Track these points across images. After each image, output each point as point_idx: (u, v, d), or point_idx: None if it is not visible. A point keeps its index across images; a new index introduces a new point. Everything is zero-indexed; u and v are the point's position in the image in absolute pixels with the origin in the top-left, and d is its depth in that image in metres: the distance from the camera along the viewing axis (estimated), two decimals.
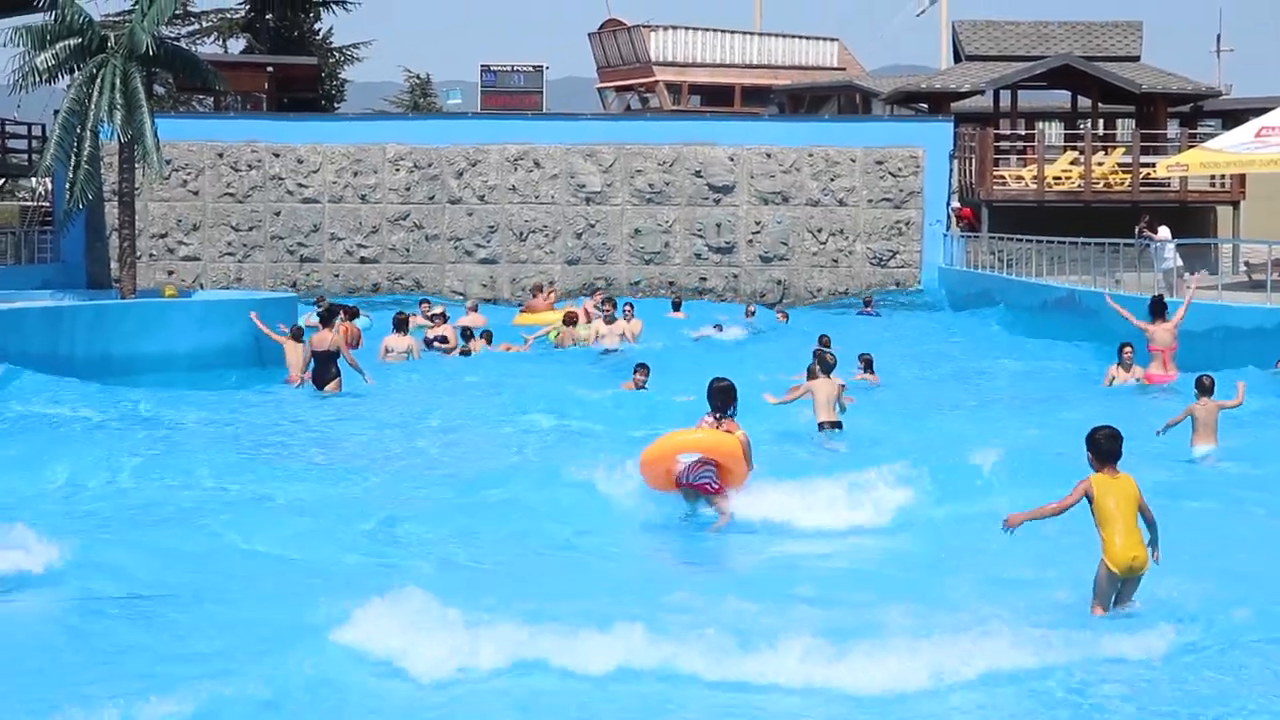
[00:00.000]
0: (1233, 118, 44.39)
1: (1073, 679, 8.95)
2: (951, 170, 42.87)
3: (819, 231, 42.63)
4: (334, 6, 63.21)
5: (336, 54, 64.70)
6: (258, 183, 42.85)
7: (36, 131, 44.28)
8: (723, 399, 14.08)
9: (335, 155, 42.85)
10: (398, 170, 42.89)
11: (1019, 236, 36.73)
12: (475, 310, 33.93)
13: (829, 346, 26.05)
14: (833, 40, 61.32)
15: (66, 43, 29.06)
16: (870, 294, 40.95)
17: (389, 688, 8.89)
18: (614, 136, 43.15)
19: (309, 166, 42.83)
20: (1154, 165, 38.86)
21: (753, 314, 35.71)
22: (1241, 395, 17.36)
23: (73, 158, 28.84)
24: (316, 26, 63.52)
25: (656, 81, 58.18)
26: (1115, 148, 43.65)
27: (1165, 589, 10.47)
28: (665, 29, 58.77)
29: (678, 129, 43.61)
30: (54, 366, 24.25)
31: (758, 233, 42.66)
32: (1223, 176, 40.60)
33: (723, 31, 59.84)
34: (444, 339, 28.92)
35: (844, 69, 59.89)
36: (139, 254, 35.49)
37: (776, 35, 61.17)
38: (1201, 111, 47.91)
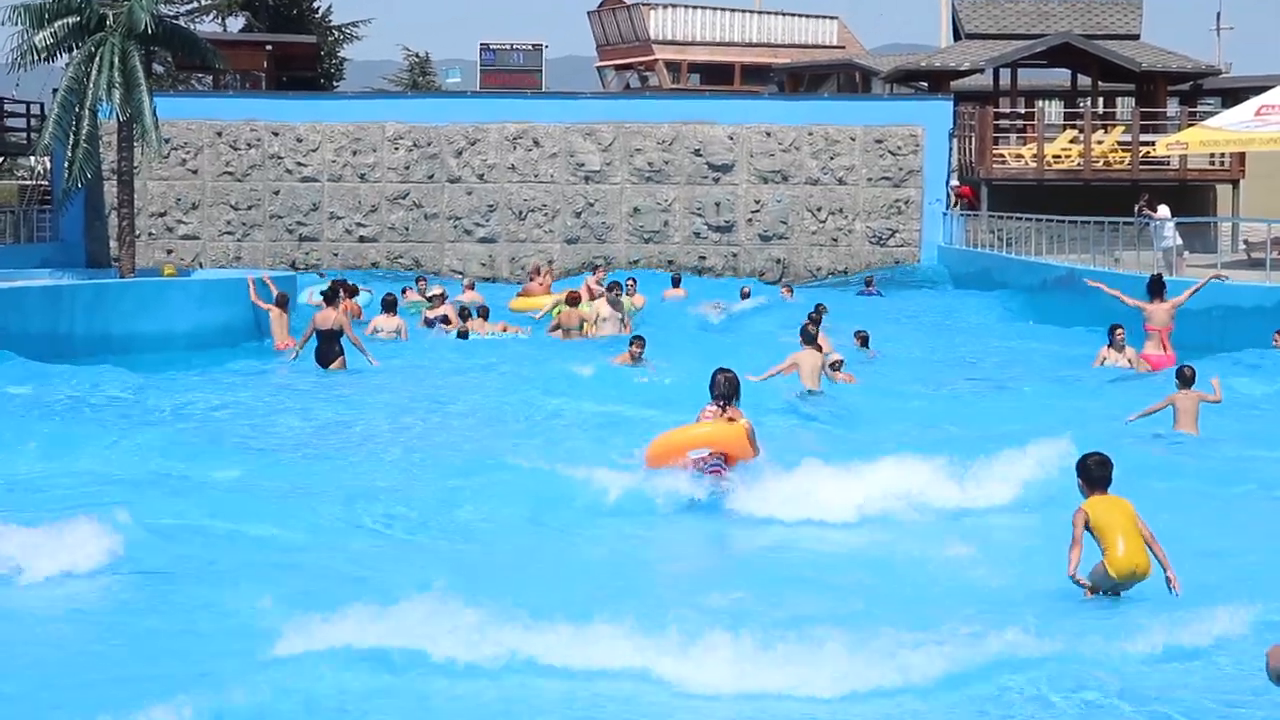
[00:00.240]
0: (1232, 96, 44.32)
1: (1058, 678, 8.70)
2: (951, 149, 42.82)
3: (818, 210, 42.60)
4: None
5: (335, 32, 64.60)
6: (257, 161, 42.81)
7: (35, 110, 44.19)
8: (727, 389, 14.16)
9: (334, 134, 42.80)
10: (397, 149, 42.85)
11: (1018, 215, 36.71)
12: (472, 289, 33.91)
13: (824, 314, 26.16)
14: (832, 18, 61.25)
15: (65, 21, 29.05)
16: (871, 274, 40.95)
17: (397, 685, 8.68)
18: (613, 115, 43.10)
19: (308, 145, 42.78)
20: (1153, 144, 38.79)
21: (747, 294, 35.70)
22: (1219, 391, 17.49)
23: (71, 136, 28.86)
24: (315, 4, 63.43)
25: (656, 60, 58.13)
26: (1115, 126, 43.59)
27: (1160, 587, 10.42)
28: (665, 7, 58.68)
29: (677, 108, 43.57)
30: (53, 346, 24.26)
31: (757, 211, 42.63)
32: (1222, 155, 40.55)
33: (722, 10, 59.78)
34: (445, 319, 28.91)
35: (843, 47, 59.82)
36: (138, 233, 35.44)
37: (776, 13, 61.11)
38: (1201, 90, 47.83)
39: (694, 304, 34.02)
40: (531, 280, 35.98)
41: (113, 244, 36.95)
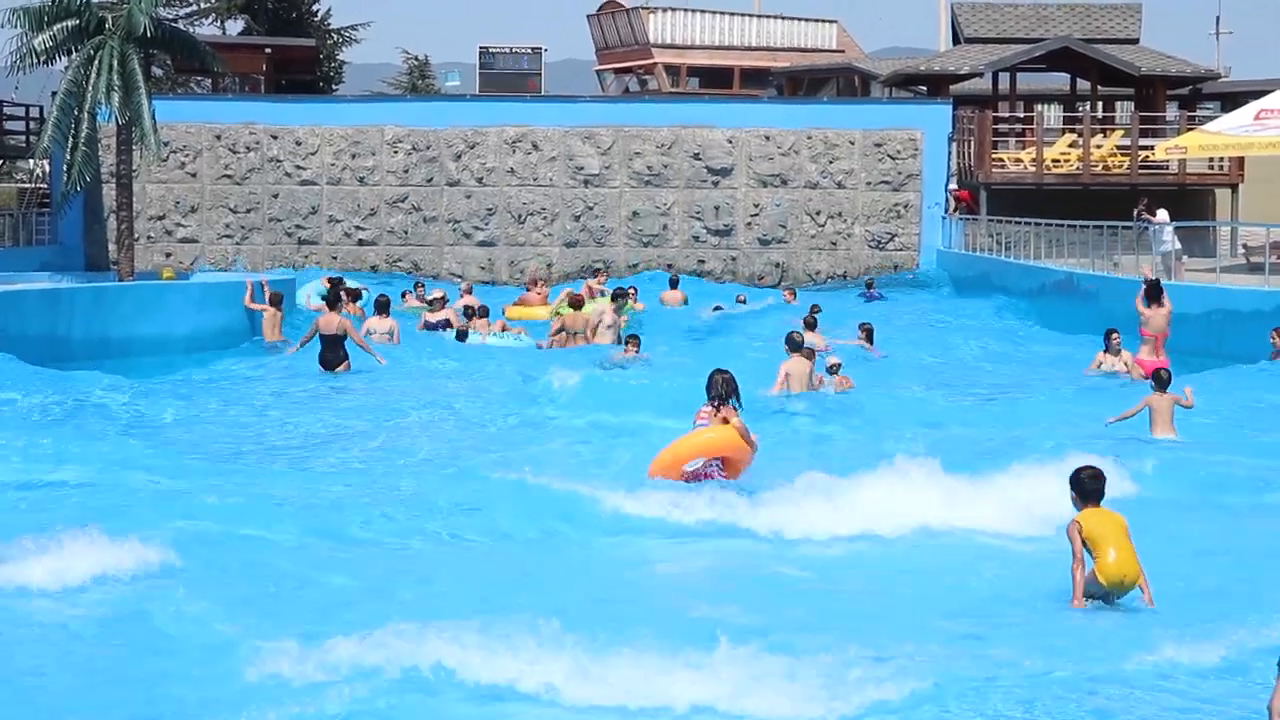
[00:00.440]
0: (1231, 100, 44.34)
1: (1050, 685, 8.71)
2: (950, 153, 42.83)
3: (817, 214, 42.60)
4: None
5: (334, 35, 64.59)
6: (256, 165, 42.80)
7: (34, 113, 44.20)
8: (725, 389, 14.23)
9: (333, 137, 42.80)
10: (396, 152, 42.85)
11: (1017, 219, 36.72)
12: (469, 293, 33.89)
13: (818, 314, 26.15)
14: (832, 22, 61.21)
15: (64, 24, 29.06)
16: (871, 277, 40.92)
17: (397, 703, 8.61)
18: (612, 119, 43.10)
19: (307, 148, 42.78)
20: (1152, 148, 38.82)
21: (743, 301, 35.70)
22: (1190, 398, 17.74)
23: (70, 139, 28.87)
24: (314, 8, 63.42)
25: (655, 63, 58.11)
26: (1114, 130, 43.60)
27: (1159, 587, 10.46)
28: (664, 11, 58.67)
29: (676, 111, 43.56)
30: (52, 349, 24.25)
31: (756, 215, 42.62)
32: (1221, 159, 40.59)
33: (721, 13, 59.76)
34: (447, 323, 28.89)
35: (843, 51, 59.80)
36: (137, 236, 35.46)
37: (775, 17, 61.08)
38: (1200, 94, 47.87)
39: (694, 308, 34.06)
40: (529, 290, 35.99)
41: (111, 247, 36.96)
